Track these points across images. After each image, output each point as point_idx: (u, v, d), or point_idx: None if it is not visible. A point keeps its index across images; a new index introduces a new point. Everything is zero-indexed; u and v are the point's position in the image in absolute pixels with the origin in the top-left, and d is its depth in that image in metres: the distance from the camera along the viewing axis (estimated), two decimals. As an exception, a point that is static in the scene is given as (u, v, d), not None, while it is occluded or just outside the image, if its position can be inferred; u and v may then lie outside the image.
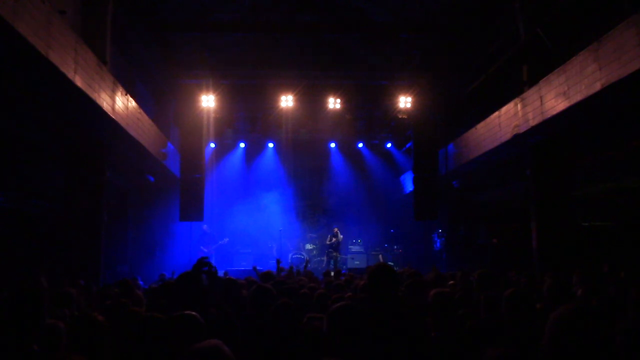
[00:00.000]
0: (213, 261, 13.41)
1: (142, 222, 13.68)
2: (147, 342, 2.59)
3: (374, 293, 2.98)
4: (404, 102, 12.72)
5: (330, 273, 8.53)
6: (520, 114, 9.20)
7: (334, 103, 12.72)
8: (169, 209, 13.77)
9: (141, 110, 10.19)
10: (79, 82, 6.82)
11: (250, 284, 4.18)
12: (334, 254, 14.31)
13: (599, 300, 3.88)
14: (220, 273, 7.19)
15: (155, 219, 13.98)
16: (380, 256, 15.17)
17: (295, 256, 14.85)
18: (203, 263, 3.52)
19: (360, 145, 16.86)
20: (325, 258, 14.60)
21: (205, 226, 13.99)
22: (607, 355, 1.60)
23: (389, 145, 16.76)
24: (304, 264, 9.40)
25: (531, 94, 8.81)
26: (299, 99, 12.67)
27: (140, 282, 7.94)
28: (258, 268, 7.55)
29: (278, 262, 8.28)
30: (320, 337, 2.81)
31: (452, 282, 5.37)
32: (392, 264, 15.07)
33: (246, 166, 16.58)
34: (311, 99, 12.86)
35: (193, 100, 12.41)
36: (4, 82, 6.58)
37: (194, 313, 2.62)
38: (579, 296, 4.08)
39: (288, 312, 3.23)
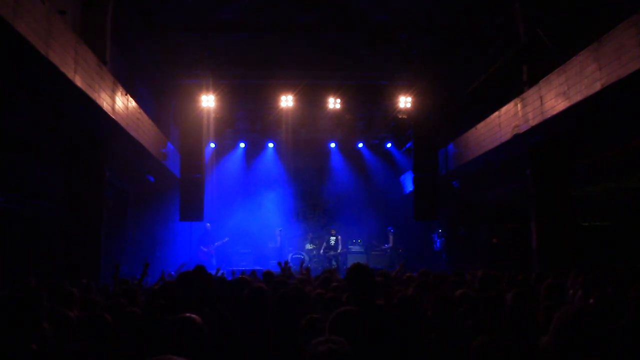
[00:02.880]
0: (213, 261, 13.32)
1: (142, 222, 13.68)
2: (146, 344, 2.59)
3: (353, 292, 3.00)
4: (404, 102, 12.72)
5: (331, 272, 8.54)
6: (520, 114, 9.20)
7: (334, 103, 12.71)
8: (169, 209, 13.77)
9: (141, 110, 10.18)
10: (79, 82, 6.82)
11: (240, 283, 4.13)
12: (332, 253, 14.46)
13: (597, 299, 3.87)
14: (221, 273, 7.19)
15: (155, 219, 13.98)
16: (390, 237, 15.27)
17: (295, 256, 14.85)
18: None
19: (360, 145, 16.86)
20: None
21: (208, 224, 14.00)
22: (609, 353, 1.60)
23: (389, 145, 16.76)
24: (300, 265, 9.37)
25: (531, 94, 8.81)
26: (299, 99, 12.66)
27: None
28: (258, 268, 7.52)
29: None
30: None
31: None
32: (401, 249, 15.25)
33: (246, 166, 16.58)
34: (311, 99, 12.85)
35: (193, 100, 12.40)
36: (4, 82, 6.58)
37: (194, 316, 2.62)
38: (578, 297, 4.08)
39: (287, 312, 3.22)
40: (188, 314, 2.61)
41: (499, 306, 3.29)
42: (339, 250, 14.68)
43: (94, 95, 7.39)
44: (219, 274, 7.14)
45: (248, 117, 14.69)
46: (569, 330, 1.67)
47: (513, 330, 3.01)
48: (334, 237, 14.65)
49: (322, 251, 14.76)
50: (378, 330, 2.78)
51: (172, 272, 9.13)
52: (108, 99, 8.07)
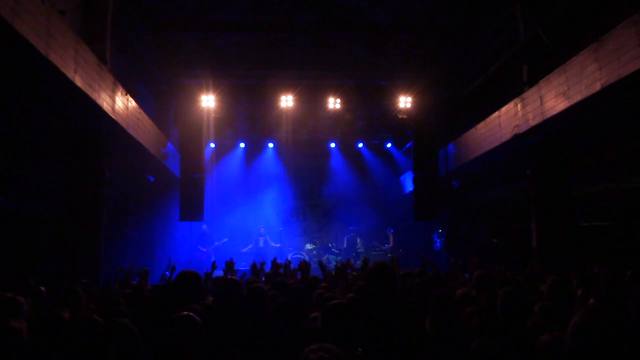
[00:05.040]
0: (212, 260, 13.28)
1: (142, 222, 13.68)
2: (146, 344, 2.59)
3: (373, 293, 2.98)
4: (404, 102, 12.71)
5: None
6: (520, 114, 9.19)
7: (334, 103, 12.70)
8: (169, 209, 13.77)
9: (141, 110, 10.18)
10: (79, 82, 6.82)
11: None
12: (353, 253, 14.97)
13: (596, 300, 3.87)
14: (220, 273, 7.18)
15: (155, 219, 13.98)
16: (390, 237, 15.32)
17: (295, 256, 14.86)
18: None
19: (360, 145, 16.86)
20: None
21: (204, 226, 14.00)
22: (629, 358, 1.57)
23: (389, 145, 16.77)
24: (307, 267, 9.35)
25: (531, 94, 8.81)
26: (299, 99, 12.66)
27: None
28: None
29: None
30: (315, 335, 2.81)
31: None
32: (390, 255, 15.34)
33: (246, 166, 16.58)
34: (311, 99, 12.84)
35: (193, 100, 12.40)
36: (4, 82, 6.58)
37: (191, 314, 2.62)
38: (578, 297, 4.08)
39: (287, 313, 3.21)
40: (186, 313, 2.62)
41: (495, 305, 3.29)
42: (358, 250, 14.96)
43: (94, 95, 7.39)
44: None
45: (248, 117, 14.70)
46: (590, 336, 1.62)
47: (507, 329, 3.01)
48: (356, 238, 15.06)
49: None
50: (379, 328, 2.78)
51: (167, 273, 9.13)
52: (108, 99, 8.07)
